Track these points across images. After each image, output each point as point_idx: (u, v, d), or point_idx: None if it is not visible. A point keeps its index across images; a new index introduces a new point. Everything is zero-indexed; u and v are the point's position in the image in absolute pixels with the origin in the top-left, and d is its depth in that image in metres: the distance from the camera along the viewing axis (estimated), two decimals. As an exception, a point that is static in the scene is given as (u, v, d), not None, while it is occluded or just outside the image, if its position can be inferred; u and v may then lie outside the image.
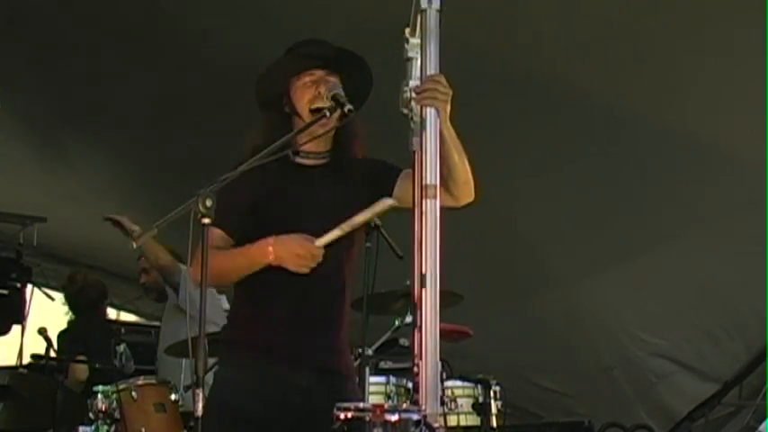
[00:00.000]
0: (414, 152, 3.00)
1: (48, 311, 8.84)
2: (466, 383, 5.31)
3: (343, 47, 3.49)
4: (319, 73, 3.41)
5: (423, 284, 2.82)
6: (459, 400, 5.24)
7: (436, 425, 2.70)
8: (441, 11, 2.96)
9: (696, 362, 7.41)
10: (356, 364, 4.46)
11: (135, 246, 3.15)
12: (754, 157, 6.00)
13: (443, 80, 2.99)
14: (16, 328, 8.39)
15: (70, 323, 7.26)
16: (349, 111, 3.28)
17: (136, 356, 6.59)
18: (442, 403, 5.10)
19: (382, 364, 5.47)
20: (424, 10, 2.95)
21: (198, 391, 2.97)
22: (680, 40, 5.56)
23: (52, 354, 6.14)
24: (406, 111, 3.10)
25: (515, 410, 7.08)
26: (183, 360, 5.73)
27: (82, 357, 6.44)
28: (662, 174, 6.43)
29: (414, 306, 2.86)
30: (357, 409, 2.71)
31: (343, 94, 3.34)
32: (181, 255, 6.25)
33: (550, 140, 6.37)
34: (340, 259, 3.40)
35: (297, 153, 3.35)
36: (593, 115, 6.11)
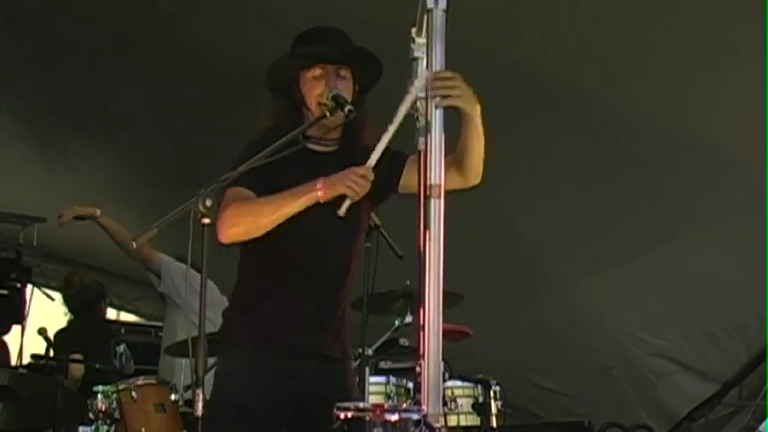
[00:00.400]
0: (419, 152, 3.00)
1: (48, 311, 8.83)
2: (466, 383, 5.31)
3: (350, 39, 3.51)
4: (329, 67, 3.42)
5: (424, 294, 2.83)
6: (460, 400, 5.25)
7: (438, 425, 2.70)
8: (447, 11, 2.96)
9: (696, 362, 7.41)
10: (356, 364, 4.46)
11: (135, 245, 3.14)
12: (755, 157, 6.00)
13: (447, 74, 2.98)
14: (16, 329, 8.39)
15: (69, 323, 7.26)
16: (349, 111, 3.29)
17: (136, 356, 6.60)
18: (444, 403, 5.11)
19: (382, 364, 5.47)
20: (431, 10, 2.95)
21: (198, 391, 2.97)
22: (680, 40, 5.57)
23: (52, 354, 6.15)
24: (411, 111, 3.10)
25: (515, 410, 7.08)
26: (183, 360, 5.73)
27: (78, 356, 6.44)
28: (662, 174, 6.43)
29: (416, 306, 2.86)
30: (357, 409, 2.71)
31: (343, 94, 3.36)
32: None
33: (551, 140, 6.37)
34: (346, 249, 3.42)
35: (307, 139, 3.36)
36: (594, 115, 6.11)
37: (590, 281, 7.14)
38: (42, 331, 6.16)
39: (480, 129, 3.24)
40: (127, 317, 11.39)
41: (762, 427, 6.40)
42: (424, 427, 2.65)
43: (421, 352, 2.80)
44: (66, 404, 5.69)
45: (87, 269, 10.76)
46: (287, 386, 3.33)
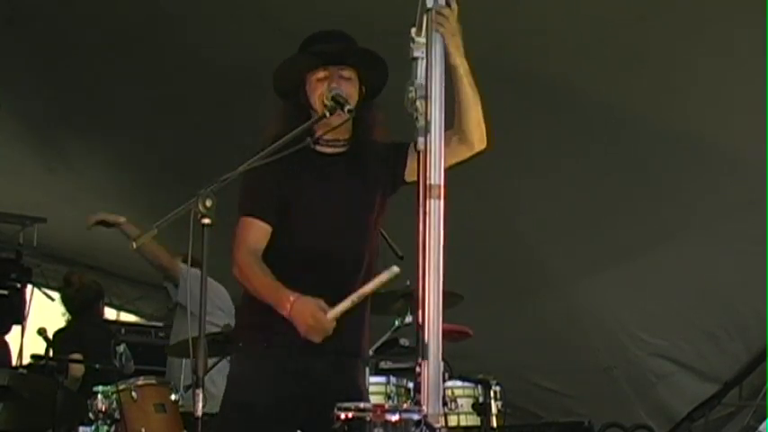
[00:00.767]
0: (419, 152, 3.01)
1: (47, 312, 8.83)
2: (466, 383, 5.31)
3: (356, 43, 3.52)
4: (332, 69, 3.43)
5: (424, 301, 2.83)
6: (460, 401, 5.24)
7: (438, 425, 2.70)
8: None
9: (696, 362, 7.41)
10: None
11: (135, 246, 3.14)
12: (755, 157, 6.00)
13: (454, 15, 3.02)
14: (16, 329, 8.39)
15: (67, 323, 7.26)
16: (349, 111, 3.29)
17: (136, 357, 6.60)
18: (444, 403, 5.10)
19: (382, 365, 5.47)
20: (430, 10, 2.96)
21: (198, 391, 2.97)
22: (680, 40, 5.56)
23: (51, 353, 6.15)
24: (411, 111, 3.11)
25: (515, 410, 7.08)
26: (183, 360, 5.73)
27: (77, 356, 6.44)
28: (662, 174, 6.43)
29: (416, 306, 2.87)
30: (357, 409, 2.71)
31: (343, 94, 3.36)
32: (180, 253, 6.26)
33: (551, 140, 6.37)
34: (362, 251, 3.43)
35: (316, 141, 3.38)
36: (594, 115, 6.11)
37: (590, 281, 7.13)
38: (42, 331, 6.16)
39: (471, 81, 3.25)
40: (127, 317, 11.38)
41: (762, 427, 6.40)
42: (424, 428, 2.65)
43: (419, 352, 2.81)
44: (66, 404, 5.69)
45: (87, 269, 10.77)
46: (300, 386, 3.34)
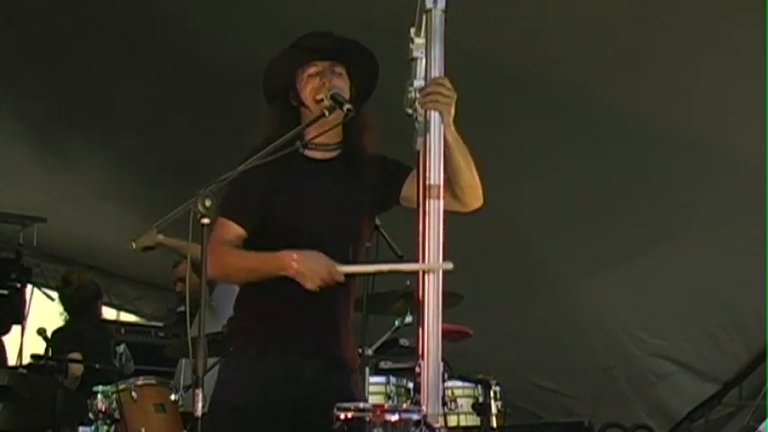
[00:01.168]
0: (418, 152, 3.00)
1: (47, 311, 8.83)
2: (466, 384, 5.31)
3: (347, 38, 3.49)
4: (323, 64, 3.41)
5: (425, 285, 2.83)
6: (460, 401, 5.24)
7: (438, 425, 2.70)
8: (446, 11, 2.96)
9: (696, 362, 7.41)
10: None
11: (135, 246, 3.13)
12: (755, 157, 6.00)
13: (447, 83, 2.99)
14: (16, 329, 8.40)
15: (66, 322, 7.27)
16: (348, 110, 3.27)
17: (136, 357, 6.59)
18: (443, 403, 5.10)
19: (382, 364, 5.47)
20: (430, 10, 2.95)
21: (198, 391, 2.97)
22: (680, 40, 5.56)
23: (50, 353, 6.15)
24: (410, 111, 3.10)
25: (515, 410, 7.08)
26: (183, 360, 5.72)
27: (76, 355, 6.44)
28: (662, 174, 6.43)
29: (415, 306, 2.87)
30: (357, 410, 2.71)
31: (342, 93, 3.34)
32: None
33: (551, 140, 6.37)
34: (349, 251, 3.39)
35: (305, 146, 3.35)
36: (594, 115, 6.11)
37: (590, 281, 7.14)
38: (42, 331, 6.16)
39: (463, 148, 3.18)
40: (127, 317, 11.39)
41: (762, 427, 6.40)
42: (423, 428, 2.65)
43: (419, 352, 2.81)
44: (66, 404, 5.69)
45: (87, 269, 10.78)
46: (289, 390, 3.32)
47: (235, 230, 3.33)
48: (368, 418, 2.66)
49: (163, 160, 7.94)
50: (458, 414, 5.22)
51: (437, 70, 2.98)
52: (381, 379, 5.14)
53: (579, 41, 5.70)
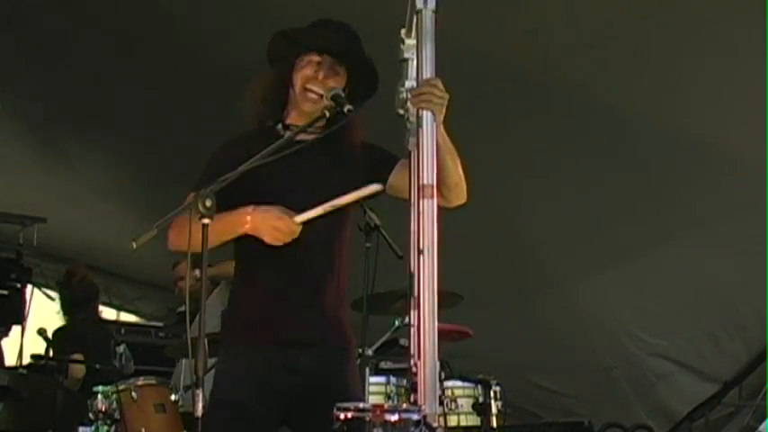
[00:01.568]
0: (410, 152, 3.00)
1: (48, 312, 8.83)
2: (466, 383, 5.31)
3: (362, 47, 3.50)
4: (328, 59, 3.42)
5: (412, 283, 2.82)
6: (460, 401, 5.24)
7: (435, 425, 2.70)
8: (436, 11, 2.96)
9: (696, 362, 7.41)
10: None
11: (135, 246, 3.13)
12: (755, 157, 6.00)
13: (440, 84, 3.00)
14: (16, 329, 8.40)
15: (66, 321, 7.27)
16: (348, 111, 3.28)
17: (136, 357, 6.60)
18: (441, 403, 5.10)
19: (382, 365, 5.47)
20: (420, 11, 2.94)
21: (198, 391, 2.97)
22: (680, 40, 5.56)
23: (51, 353, 6.14)
24: (402, 111, 3.10)
25: (515, 410, 7.08)
26: (183, 360, 5.73)
27: (78, 356, 6.44)
28: (662, 174, 6.43)
29: (409, 306, 2.86)
30: (357, 410, 2.71)
31: (342, 95, 3.35)
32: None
33: (550, 141, 6.37)
34: (331, 234, 3.41)
35: (286, 127, 3.38)
36: (594, 116, 6.11)
37: (590, 281, 7.14)
38: (42, 331, 6.16)
39: (451, 148, 3.20)
40: (127, 317, 11.39)
41: (762, 427, 6.40)
42: (423, 428, 2.65)
43: (415, 352, 2.80)
44: (67, 404, 5.69)
45: (87, 269, 10.77)
46: (284, 380, 3.33)
47: None
48: (368, 418, 2.65)
49: (163, 160, 7.94)
50: (458, 414, 5.22)
51: (428, 71, 2.97)
52: (381, 379, 5.14)
53: (579, 41, 5.70)
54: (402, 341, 5.30)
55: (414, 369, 2.80)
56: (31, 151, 8.75)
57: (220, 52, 6.40)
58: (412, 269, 2.86)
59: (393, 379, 5.16)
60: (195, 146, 7.33)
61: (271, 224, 3.22)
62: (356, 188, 3.34)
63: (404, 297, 5.13)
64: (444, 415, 5.10)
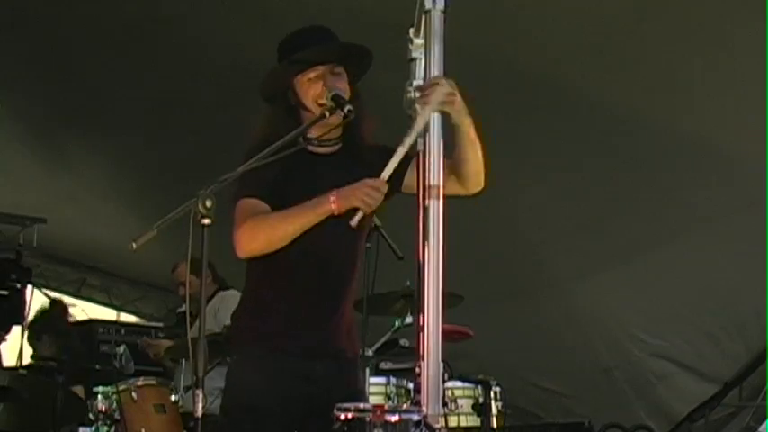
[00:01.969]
0: (417, 153, 3.00)
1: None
2: (466, 384, 5.31)
3: (341, 39, 3.49)
4: (322, 68, 3.41)
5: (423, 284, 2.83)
6: (460, 401, 5.24)
7: (438, 426, 2.70)
8: (445, 12, 2.96)
9: (696, 362, 7.40)
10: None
11: (135, 247, 3.12)
12: (755, 157, 6.00)
13: (442, 82, 2.99)
14: (16, 329, 8.39)
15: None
16: (349, 111, 3.28)
17: (136, 357, 6.60)
18: (444, 404, 5.10)
19: (382, 365, 5.47)
20: (429, 11, 2.95)
21: (198, 391, 2.97)
22: (680, 39, 5.57)
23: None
24: (409, 111, 3.10)
25: (515, 411, 7.07)
26: (183, 361, 5.73)
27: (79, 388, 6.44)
28: (662, 174, 6.43)
29: (416, 307, 2.87)
30: (357, 410, 2.71)
31: (342, 94, 3.35)
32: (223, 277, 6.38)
33: (551, 141, 6.37)
34: (349, 246, 3.42)
35: (308, 142, 3.37)
36: (594, 116, 6.11)
37: (590, 281, 7.14)
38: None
39: (474, 139, 3.22)
40: (127, 317, 11.39)
41: (762, 427, 6.41)
42: (424, 428, 2.65)
43: (419, 353, 2.81)
44: (67, 405, 5.69)
45: (87, 269, 10.79)
46: (299, 388, 3.33)
47: (261, 206, 3.29)
48: (368, 419, 2.66)
49: (163, 160, 7.94)
50: (458, 414, 5.22)
51: (436, 71, 2.97)
52: (381, 379, 5.14)
53: (581, 42, 5.71)
54: (402, 341, 5.30)
55: (417, 370, 2.80)
56: (31, 152, 8.75)
57: (220, 53, 6.40)
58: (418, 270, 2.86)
59: (393, 379, 5.16)
60: (195, 146, 7.40)
61: (362, 190, 3.16)
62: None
63: (404, 297, 5.13)
64: (445, 415, 5.10)
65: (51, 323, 7.24)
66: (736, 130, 5.97)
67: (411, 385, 5.07)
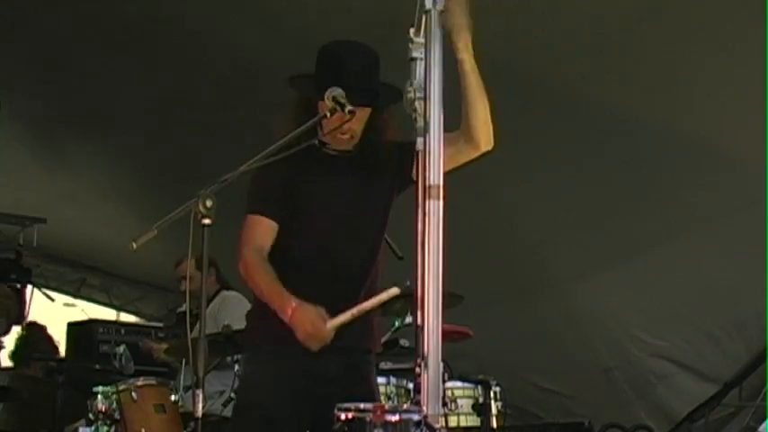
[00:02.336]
0: (417, 152, 3.00)
1: (48, 312, 8.84)
2: (466, 384, 5.30)
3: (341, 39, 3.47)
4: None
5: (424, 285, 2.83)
6: (460, 401, 5.23)
7: (438, 426, 2.70)
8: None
9: (696, 363, 7.40)
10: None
11: (135, 247, 3.12)
12: (755, 157, 6.00)
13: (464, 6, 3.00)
14: (16, 329, 8.40)
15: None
16: (349, 112, 3.28)
17: (136, 357, 6.60)
18: (444, 404, 5.10)
19: (382, 365, 5.46)
20: (429, 11, 2.95)
21: (198, 391, 2.97)
22: (680, 39, 5.57)
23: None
24: (409, 111, 3.10)
25: (515, 411, 7.07)
26: (183, 361, 5.72)
27: None
28: (662, 174, 6.43)
29: (416, 307, 2.86)
30: (358, 410, 2.71)
31: (343, 94, 3.34)
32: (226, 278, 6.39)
33: (551, 140, 6.37)
34: (368, 239, 3.44)
35: (324, 144, 3.38)
36: (594, 116, 6.11)
37: (590, 281, 7.13)
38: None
39: (478, 79, 3.21)
40: (127, 317, 11.39)
41: (762, 427, 6.40)
42: (424, 428, 2.65)
43: (419, 353, 2.80)
44: (67, 404, 5.70)
45: (87, 269, 10.78)
46: (313, 386, 3.34)
47: (267, 226, 3.37)
48: (368, 419, 2.65)
49: (163, 160, 7.94)
50: (458, 415, 5.21)
51: (436, 71, 2.97)
52: (381, 380, 5.13)
53: (580, 42, 5.70)
54: (402, 342, 5.29)
55: (417, 370, 2.80)
56: (31, 152, 8.75)
57: (220, 53, 6.40)
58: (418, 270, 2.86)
59: (393, 380, 5.15)
60: (195, 146, 7.39)
61: (305, 329, 3.23)
62: (389, 195, 3.45)
63: (404, 297, 5.12)
64: (444, 415, 5.10)
65: (35, 347, 7.26)
66: (736, 130, 5.97)
67: (411, 385, 5.07)
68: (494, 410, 5.25)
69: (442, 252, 2.84)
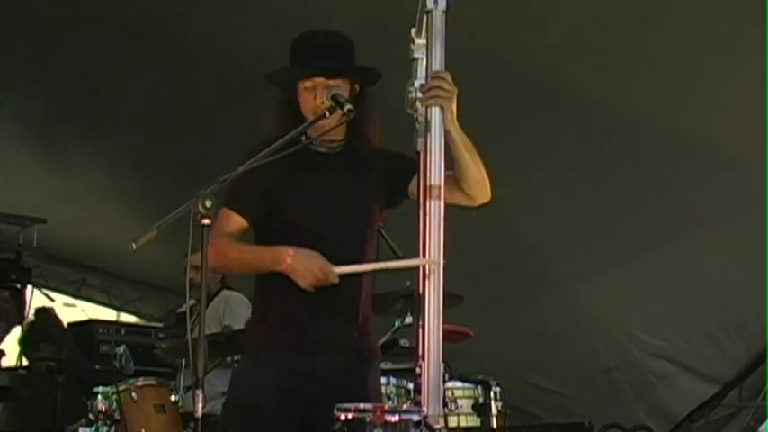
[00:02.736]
0: (418, 153, 3.00)
1: (47, 312, 8.82)
2: (466, 384, 5.30)
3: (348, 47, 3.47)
4: (318, 80, 3.39)
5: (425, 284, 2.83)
6: (460, 401, 5.23)
7: (438, 426, 2.70)
8: (447, 12, 2.96)
9: (696, 363, 7.40)
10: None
11: (134, 247, 3.12)
12: (755, 157, 6.00)
13: (448, 78, 2.99)
14: (16, 329, 8.40)
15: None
16: (348, 111, 3.28)
17: (136, 357, 6.59)
18: (444, 404, 5.09)
19: (382, 365, 5.46)
20: (430, 11, 2.95)
21: (198, 391, 2.97)
22: (681, 40, 5.57)
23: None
24: (411, 111, 3.10)
25: (515, 411, 7.07)
26: (183, 361, 5.72)
27: None
28: (662, 174, 6.43)
29: (416, 306, 2.87)
30: (357, 410, 2.71)
31: (342, 93, 3.34)
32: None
33: (551, 140, 6.37)
34: (356, 243, 3.41)
35: (310, 141, 3.37)
36: (594, 116, 6.11)
37: (590, 281, 7.13)
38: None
39: (468, 145, 3.19)
40: (127, 318, 11.39)
41: (762, 427, 6.40)
42: (424, 428, 2.65)
43: (420, 353, 2.80)
44: (67, 405, 5.70)
45: (87, 269, 10.77)
46: (301, 385, 3.33)
47: (236, 221, 3.37)
48: (368, 419, 2.65)
49: (163, 160, 7.94)
50: (458, 415, 5.21)
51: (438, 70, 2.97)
52: (382, 380, 5.12)
53: (580, 42, 5.71)
54: (402, 342, 5.29)
55: (417, 370, 2.80)
56: (31, 152, 8.74)
57: (220, 53, 6.40)
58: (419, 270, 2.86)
59: (393, 380, 5.15)
60: (195, 146, 7.39)
61: (311, 271, 3.22)
62: (378, 197, 3.43)
63: (404, 297, 5.12)
64: (445, 416, 5.10)
65: (44, 332, 7.25)
66: (737, 130, 5.97)
67: (411, 385, 5.07)
68: (494, 411, 5.25)
69: (443, 252, 2.84)
